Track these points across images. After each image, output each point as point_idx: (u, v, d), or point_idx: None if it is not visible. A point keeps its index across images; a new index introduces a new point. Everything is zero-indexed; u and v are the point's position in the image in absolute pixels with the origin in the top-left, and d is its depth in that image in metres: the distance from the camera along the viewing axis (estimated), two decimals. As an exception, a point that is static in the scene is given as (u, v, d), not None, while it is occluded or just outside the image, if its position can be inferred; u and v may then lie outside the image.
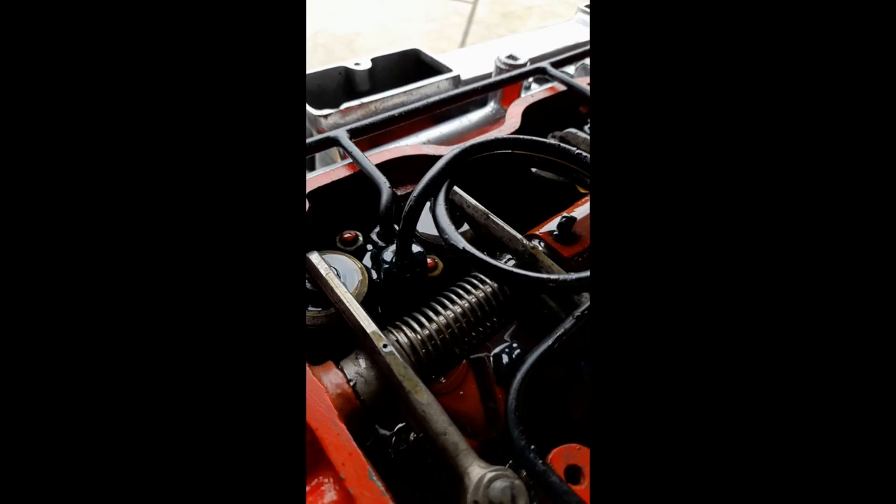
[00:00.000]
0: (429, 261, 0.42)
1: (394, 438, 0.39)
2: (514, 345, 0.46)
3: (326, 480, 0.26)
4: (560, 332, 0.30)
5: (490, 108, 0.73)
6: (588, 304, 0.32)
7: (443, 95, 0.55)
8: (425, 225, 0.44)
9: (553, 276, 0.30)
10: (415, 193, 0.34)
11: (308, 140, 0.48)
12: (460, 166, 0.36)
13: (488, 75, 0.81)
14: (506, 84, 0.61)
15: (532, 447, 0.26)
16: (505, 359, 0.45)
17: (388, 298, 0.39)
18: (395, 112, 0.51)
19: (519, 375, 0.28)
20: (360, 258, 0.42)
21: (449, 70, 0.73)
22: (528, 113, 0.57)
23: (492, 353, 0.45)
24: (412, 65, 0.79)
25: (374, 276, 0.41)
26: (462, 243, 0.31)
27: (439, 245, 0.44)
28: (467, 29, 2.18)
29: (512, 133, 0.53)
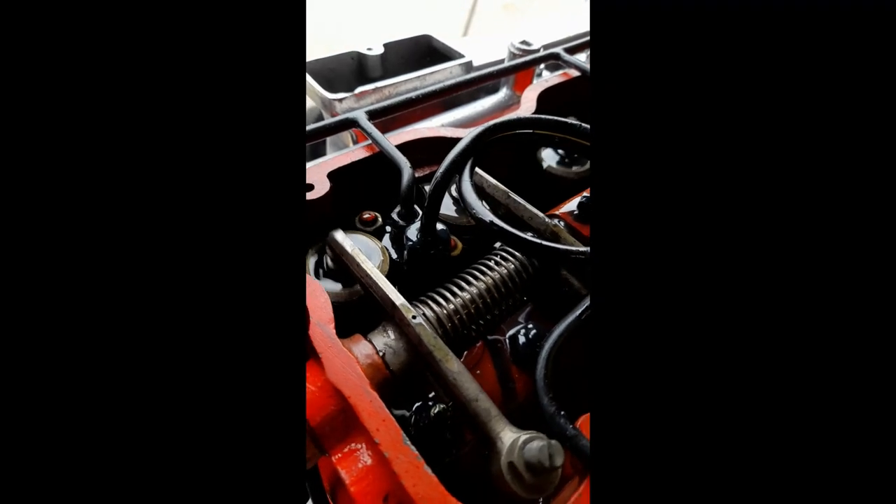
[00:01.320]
0: (448, 240, 0.43)
1: (413, 417, 0.40)
2: (530, 325, 0.46)
3: (360, 446, 0.27)
4: (588, 303, 0.31)
5: (503, 94, 0.73)
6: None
7: (459, 79, 0.56)
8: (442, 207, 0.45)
9: (581, 249, 0.31)
10: (440, 171, 0.35)
11: (325, 122, 0.48)
12: (484, 144, 0.37)
13: (499, 62, 0.81)
14: (520, 69, 0.61)
15: (562, 413, 0.26)
16: (521, 340, 0.46)
17: (410, 277, 0.39)
18: (413, 95, 0.51)
19: (548, 345, 0.29)
20: (379, 239, 0.42)
21: (461, 56, 0.73)
22: (543, 98, 0.57)
23: (507, 335, 0.46)
24: (424, 50, 0.79)
25: (394, 255, 0.41)
26: (489, 216, 0.31)
27: (457, 225, 0.44)
28: (469, 20, 2.17)
29: (528, 117, 0.54)
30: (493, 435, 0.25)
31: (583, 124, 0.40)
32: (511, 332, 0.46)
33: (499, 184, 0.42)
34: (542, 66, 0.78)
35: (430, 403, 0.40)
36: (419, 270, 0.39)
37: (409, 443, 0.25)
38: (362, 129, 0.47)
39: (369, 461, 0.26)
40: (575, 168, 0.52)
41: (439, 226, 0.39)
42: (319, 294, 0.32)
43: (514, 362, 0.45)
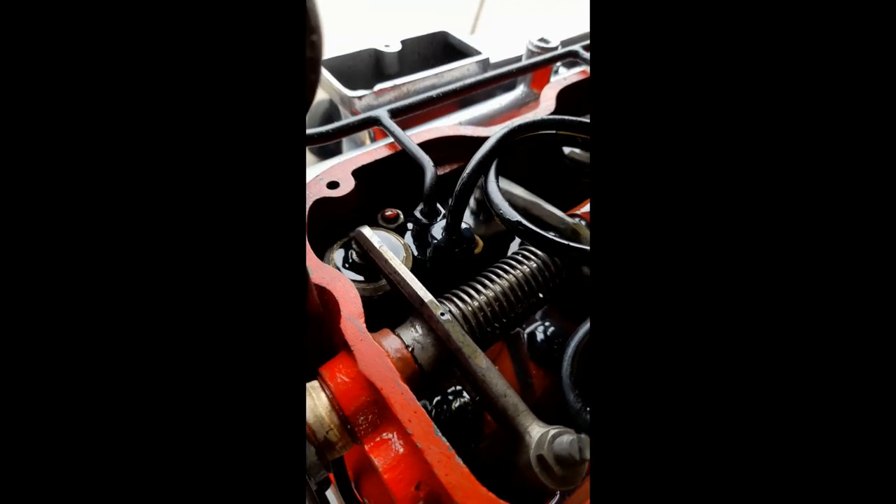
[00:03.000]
0: (470, 238, 0.43)
1: (434, 410, 0.41)
2: (548, 323, 0.47)
3: (391, 436, 0.28)
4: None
5: (520, 91, 0.73)
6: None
7: (479, 77, 0.56)
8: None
9: None
10: (467, 171, 0.35)
11: (348, 121, 0.49)
12: (509, 145, 0.37)
13: (515, 59, 0.81)
14: (538, 67, 0.61)
15: (587, 409, 0.27)
16: (539, 336, 0.47)
17: (433, 274, 0.40)
18: (434, 93, 0.52)
19: (573, 342, 0.29)
20: (401, 235, 0.43)
21: (477, 52, 0.73)
22: (563, 96, 0.57)
23: (526, 332, 0.47)
24: (440, 47, 0.79)
25: (416, 252, 0.42)
26: (516, 217, 0.32)
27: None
28: (477, 17, 2.15)
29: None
30: (522, 429, 0.26)
31: None
32: (529, 328, 0.47)
33: (517, 187, 0.42)
34: (559, 63, 0.78)
35: (451, 397, 0.41)
36: (443, 268, 0.40)
37: (440, 434, 0.26)
38: (385, 127, 0.47)
39: (401, 450, 0.27)
40: None
41: (463, 225, 0.40)
42: (350, 289, 0.33)
43: (531, 358, 0.46)
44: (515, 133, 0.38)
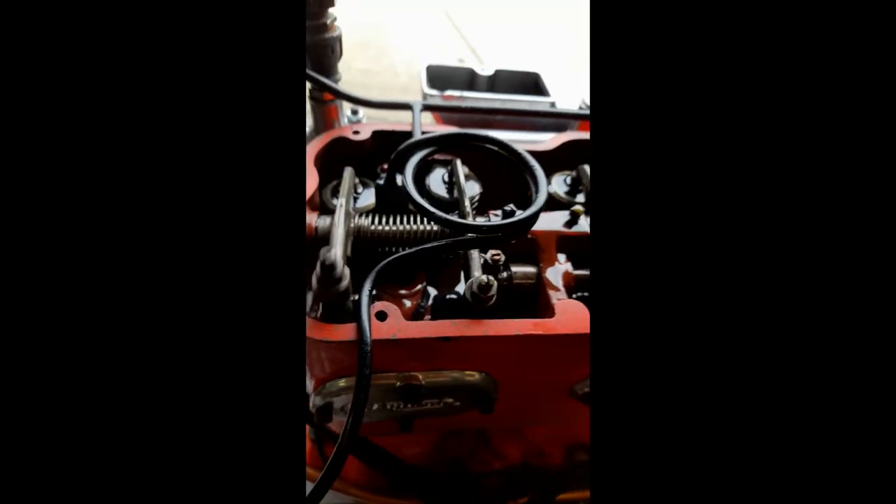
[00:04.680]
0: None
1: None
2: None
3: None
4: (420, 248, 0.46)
5: (560, 134, 0.84)
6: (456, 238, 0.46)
7: (510, 107, 0.71)
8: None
9: (478, 224, 0.46)
10: (403, 146, 0.53)
11: (391, 100, 0.70)
12: (440, 144, 0.54)
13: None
14: (567, 118, 0.73)
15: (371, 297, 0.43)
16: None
17: (380, 210, 0.59)
18: (463, 104, 0.70)
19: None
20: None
21: (549, 96, 0.87)
22: (568, 146, 0.68)
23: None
24: (530, 85, 0.95)
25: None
26: (415, 194, 0.49)
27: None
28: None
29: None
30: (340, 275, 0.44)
31: (508, 143, 0.53)
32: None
33: (463, 182, 0.57)
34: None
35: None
36: (384, 205, 0.58)
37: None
38: (413, 112, 0.67)
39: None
40: (579, 197, 0.63)
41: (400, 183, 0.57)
42: (311, 183, 0.54)
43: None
44: (459, 136, 0.54)
